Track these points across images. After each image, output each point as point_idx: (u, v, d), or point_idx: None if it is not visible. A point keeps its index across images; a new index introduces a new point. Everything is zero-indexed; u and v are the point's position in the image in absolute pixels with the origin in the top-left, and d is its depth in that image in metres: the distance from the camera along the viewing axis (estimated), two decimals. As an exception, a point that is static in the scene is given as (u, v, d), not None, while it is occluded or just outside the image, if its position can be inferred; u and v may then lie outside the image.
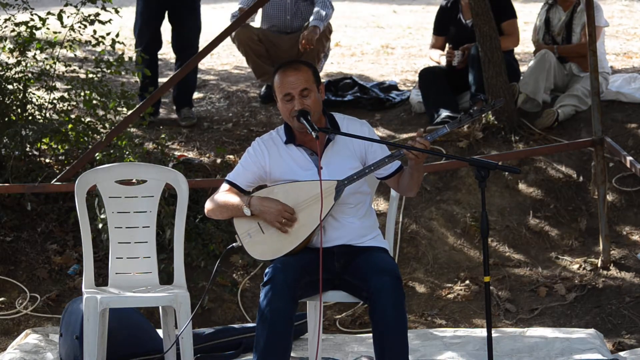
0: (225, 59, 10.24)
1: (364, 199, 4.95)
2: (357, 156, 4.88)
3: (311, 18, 8.34)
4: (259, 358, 4.65)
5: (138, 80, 8.26)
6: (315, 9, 8.35)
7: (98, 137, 7.22)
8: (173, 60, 10.20)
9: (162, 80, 8.86)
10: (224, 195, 4.90)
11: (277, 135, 4.95)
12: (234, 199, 4.86)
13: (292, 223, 4.78)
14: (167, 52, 10.55)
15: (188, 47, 8.18)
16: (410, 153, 4.68)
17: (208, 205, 4.95)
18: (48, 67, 7.39)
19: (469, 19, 7.95)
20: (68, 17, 7.25)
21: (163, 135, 7.82)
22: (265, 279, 4.73)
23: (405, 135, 7.78)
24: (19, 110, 7.24)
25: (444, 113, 7.69)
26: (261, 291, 4.72)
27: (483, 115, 7.63)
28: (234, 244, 4.93)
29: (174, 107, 8.42)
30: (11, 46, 7.39)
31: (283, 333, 4.65)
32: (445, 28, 8.15)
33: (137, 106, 6.94)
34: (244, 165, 4.94)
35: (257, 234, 4.84)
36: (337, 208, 4.81)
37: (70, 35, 7.32)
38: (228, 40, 8.07)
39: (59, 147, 7.23)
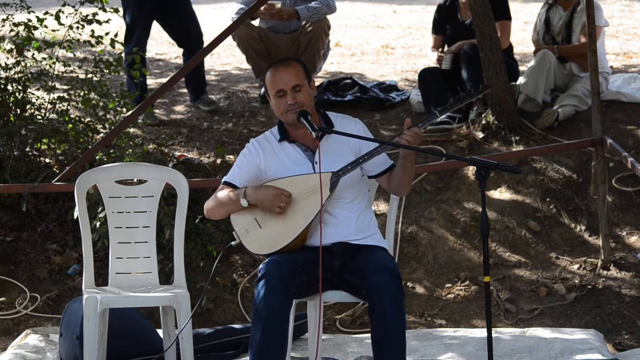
0: (225, 59, 10.24)
1: (360, 195, 4.96)
2: (352, 152, 4.92)
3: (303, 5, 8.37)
4: (255, 353, 4.65)
5: (136, 80, 8.26)
6: (313, 3, 8.36)
7: (98, 137, 7.22)
8: (173, 60, 10.23)
9: (161, 80, 8.87)
10: (221, 194, 4.93)
11: (271, 135, 5.01)
12: (230, 194, 4.89)
13: (290, 205, 4.78)
14: (167, 52, 10.56)
15: (195, 39, 8.22)
16: (403, 140, 4.70)
17: (206, 205, 4.98)
18: (47, 67, 7.39)
19: (468, 18, 7.95)
20: (66, 17, 7.25)
21: (163, 135, 7.83)
22: (259, 275, 4.74)
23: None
24: (18, 110, 7.24)
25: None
26: (255, 288, 4.72)
27: (483, 115, 7.64)
28: (232, 243, 4.94)
29: (189, 100, 8.47)
30: (10, 46, 7.39)
31: (277, 328, 4.64)
32: (443, 27, 8.16)
33: (138, 106, 6.94)
34: (240, 165, 4.98)
35: (255, 229, 4.85)
36: (333, 203, 4.83)
37: (69, 35, 7.32)
38: (228, 40, 8.05)
39: (58, 147, 7.23)
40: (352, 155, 4.90)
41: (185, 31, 8.26)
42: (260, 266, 4.77)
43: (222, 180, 5.00)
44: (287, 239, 4.81)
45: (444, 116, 7.59)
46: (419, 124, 4.78)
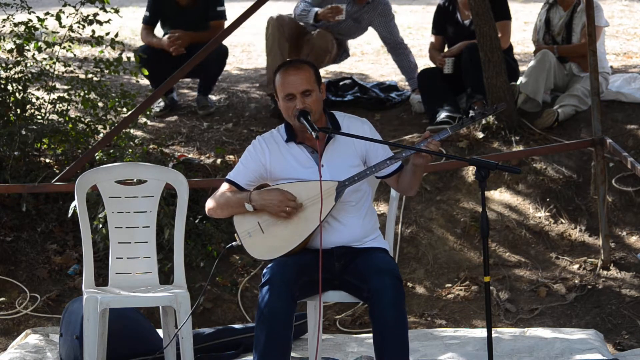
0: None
1: (365, 197, 4.94)
2: (358, 154, 4.89)
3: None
4: (259, 358, 4.64)
5: (136, 80, 8.26)
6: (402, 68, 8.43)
7: (98, 137, 7.22)
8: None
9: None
10: (225, 193, 4.90)
11: (277, 133, 4.95)
12: (234, 196, 4.86)
13: (297, 210, 4.77)
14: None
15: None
16: (420, 154, 4.68)
17: (209, 204, 4.94)
18: (47, 67, 7.39)
19: (467, 19, 7.95)
20: (67, 17, 7.25)
21: (163, 135, 7.83)
22: (263, 279, 4.73)
23: (406, 136, 7.77)
24: (18, 110, 7.24)
25: (444, 113, 7.69)
26: (259, 292, 4.72)
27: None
28: (233, 243, 4.93)
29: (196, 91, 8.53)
30: (10, 46, 7.39)
31: (282, 333, 4.64)
32: (443, 27, 8.15)
33: (138, 106, 6.93)
34: (244, 163, 4.93)
35: (257, 234, 4.83)
36: (338, 207, 4.81)
37: (69, 35, 7.32)
38: (229, 40, 8.05)
39: (58, 147, 7.23)
40: (358, 157, 4.88)
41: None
42: (264, 270, 4.76)
43: (226, 177, 4.97)
44: (288, 247, 4.80)
45: (444, 116, 7.67)
46: (435, 136, 4.75)
